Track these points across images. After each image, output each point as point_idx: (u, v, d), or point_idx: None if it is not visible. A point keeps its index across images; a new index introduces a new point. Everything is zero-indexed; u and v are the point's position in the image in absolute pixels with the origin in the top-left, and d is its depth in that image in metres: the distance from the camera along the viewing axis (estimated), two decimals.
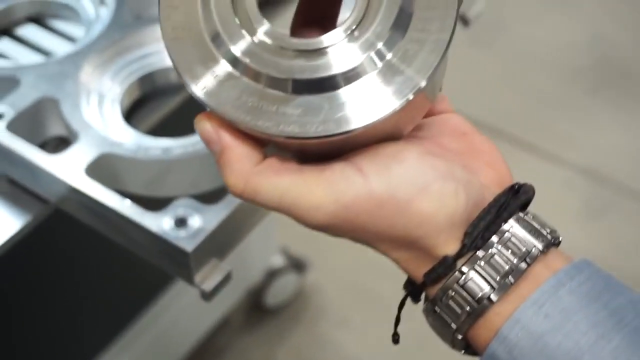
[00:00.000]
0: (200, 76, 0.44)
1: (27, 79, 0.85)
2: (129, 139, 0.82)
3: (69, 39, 0.95)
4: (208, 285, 0.76)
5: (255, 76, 0.44)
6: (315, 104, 0.43)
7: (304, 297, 1.79)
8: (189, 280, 0.76)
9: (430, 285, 0.47)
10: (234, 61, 0.44)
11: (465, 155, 0.48)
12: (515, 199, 0.46)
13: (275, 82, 0.43)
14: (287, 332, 1.74)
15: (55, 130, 0.85)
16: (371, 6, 0.44)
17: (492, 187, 0.47)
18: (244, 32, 0.44)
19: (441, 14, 0.44)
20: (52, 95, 0.84)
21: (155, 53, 0.89)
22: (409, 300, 0.49)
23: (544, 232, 0.46)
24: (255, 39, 0.44)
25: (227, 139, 0.45)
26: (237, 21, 0.44)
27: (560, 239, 0.47)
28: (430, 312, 0.47)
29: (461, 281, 0.45)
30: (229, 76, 0.44)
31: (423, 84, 0.43)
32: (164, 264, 0.77)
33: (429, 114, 0.50)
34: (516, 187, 0.47)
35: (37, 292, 1.11)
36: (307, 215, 0.45)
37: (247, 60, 0.44)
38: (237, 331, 1.72)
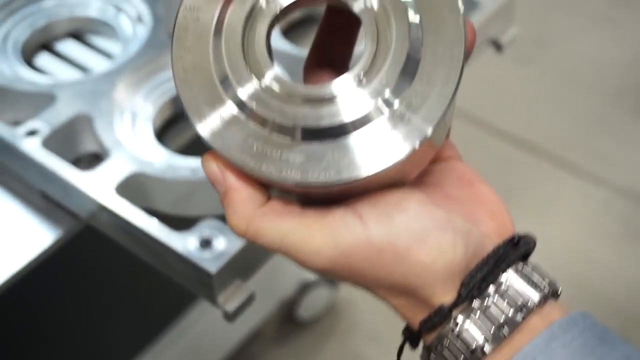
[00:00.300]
0: (207, 117, 0.44)
1: (63, 96, 0.86)
2: (159, 158, 0.83)
3: (107, 55, 0.96)
4: (231, 306, 0.76)
5: (261, 121, 0.44)
6: (319, 152, 0.43)
7: (336, 311, 1.79)
8: (212, 300, 0.76)
9: (427, 333, 0.46)
10: (241, 105, 0.44)
11: (468, 204, 0.48)
12: (514, 250, 0.46)
13: (280, 128, 0.43)
14: (318, 346, 1.75)
15: (88, 146, 0.86)
16: (380, 51, 0.44)
17: (493, 237, 0.47)
18: (252, 76, 0.44)
19: (448, 65, 0.44)
20: (87, 112, 0.85)
21: None
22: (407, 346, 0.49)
23: (542, 284, 0.45)
24: (263, 84, 0.44)
25: (232, 181, 0.45)
26: (247, 65, 0.44)
27: (560, 290, 0.46)
28: None
29: (456, 331, 0.45)
30: (235, 119, 0.44)
31: (429, 133, 0.43)
32: (187, 283, 0.78)
33: (435, 160, 0.49)
34: (516, 238, 0.47)
35: (67, 305, 1.12)
36: (308, 259, 0.45)
37: (253, 104, 0.44)
38: (269, 343, 1.73)
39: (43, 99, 0.86)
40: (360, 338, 1.76)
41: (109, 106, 0.86)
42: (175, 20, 0.45)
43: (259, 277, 0.81)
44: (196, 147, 0.89)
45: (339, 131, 0.43)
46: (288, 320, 1.73)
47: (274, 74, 0.44)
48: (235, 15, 0.45)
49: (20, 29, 0.95)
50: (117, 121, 0.86)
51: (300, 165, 0.43)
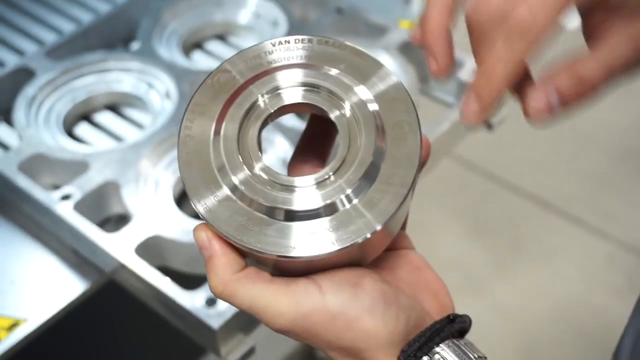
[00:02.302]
0: (203, 196, 0.50)
1: (96, 164, 0.93)
2: (176, 222, 0.90)
3: (138, 125, 1.03)
4: (232, 358, 0.82)
5: (248, 202, 0.50)
6: (289, 230, 0.50)
7: None
8: (216, 352, 0.82)
9: None
10: (233, 188, 0.50)
11: (415, 286, 0.54)
12: (450, 327, 0.51)
13: (261, 208, 0.50)
14: None
15: (115, 208, 0.93)
16: (349, 155, 0.51)
17: (433, 314, 0.53)
18: (244, 166, 0.51)
19: (404, 170, 0.50)
20: (115, 179, 0.92)
21: None
22: None
23: (472, 356, 0.51)
24: (253, 173, 0.51)
25: (216, 248, 0.51)
26: (240, 157, 0.51)
27: None
28: None
29: None
30: (227, 198, 0.50)
31: (378, 227, 0.49)
32: (195, 336, 0.84)
33: (391, 247, 0.55)
34: (452, 316, 0.52)
35: (89, 350, 1.18)
36: (272, 320, 0.50)
37: (243, 188, 0.50)
38: None
39: (78, 166, 0.93)
40: None
41: (135, 175, 0.92)
42: (185, 111, 0.52)
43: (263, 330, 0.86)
44: None
45: (306, 216, 0.50)
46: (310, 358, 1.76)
47: (261, 165, 0.51)
48: (235, 114, 0.52)
49: (63, 103, 1.02)
50: (141, 188, 0.92)
51: (273, 239, 0.49)
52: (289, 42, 0.53)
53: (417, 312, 0.52)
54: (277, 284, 0.50)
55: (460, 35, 0.54)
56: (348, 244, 0.49)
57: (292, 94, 0.52)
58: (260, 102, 0.52)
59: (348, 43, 0.53)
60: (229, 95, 0.52)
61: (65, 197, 0.90)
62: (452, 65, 0.54)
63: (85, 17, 1.15)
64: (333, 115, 0.52)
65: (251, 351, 0.84)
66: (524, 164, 2.27)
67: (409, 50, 1.07)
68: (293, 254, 0.49)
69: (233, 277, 0.51)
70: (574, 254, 2.07)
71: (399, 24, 1.13)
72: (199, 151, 0.51)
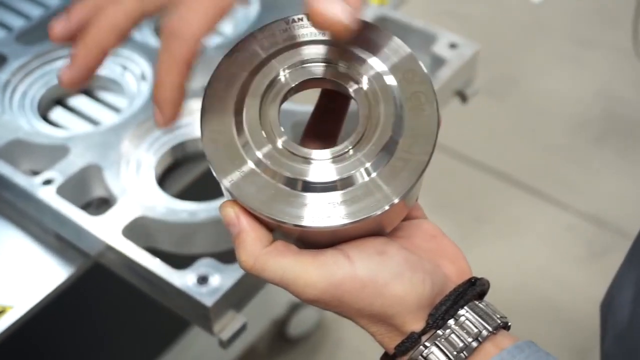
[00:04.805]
0: (229, 171, 0.51)
1: (76, 148, 0.92)
2: (160, 203, 0.89)
3: (114, 109, 1.02)
4: (225, 335, 0.82)
5: (272, 175, 0.51)
6: (315, 201, 0.50)
7: (324, 329, 1.85)
8: (209, 330, 0.82)
9: (400, 357, 0.53)
10: (258, 162, 0.51)
11: (432, 253, 0.55)
12: (472, 290, 0.53)
13: (286, 181, 0.51)
14: None
15: (98, 192, 0.92)
16: (368, 130, 0.52)
17: (453, 278, 0.54)
18: (267, 140, 0.51)
19: (422, 144, 0.51)
20: (97, 162, 0.91)
21: (186, 125, 0.97)
22: None
23: (495, 317, 0.52)
24: (275, 147, 0.51)
25: (244, 224, 0.51)
26: (263, 132, 0.51)
27: (510, 323, 0.53)
28: None
29: (425, 353, 0.51)
30: (252, 173, 0.51)
31: (396, 201, 0.50)
32: (186, 315, 0.84)
33: (406, 218, 0.57)
34: (473, 280, 0.54)
35: (76, 332, 1.17)
36: (302, 291, 0.51)
37: (267, 162, 0.51)
38: (262, 358, 1.78)
39: (58, 151, 0.92)
40: (347, 353, 1.82)
41: (117, 157, 0.92)
42: (206, 89, 0.52)
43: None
44: (192, 192, 0.96)
45: (330, 187, 0.50)
46: (279, 337, 1.78)
47: (284, 139, 0.51)
48: (256, 89, 0.52)
49: (36, 87, 1.01)
50: (123, 170, 0.91)
51: (299, 211, 0.50)
52: (302, 20, 0.53)
53: (440, 277, 0.53)
54: (306, 255, 0.51)
55: None
56: (370, 214, 0.50)
57: (312, 69, 0.53)
58: (282, 77, 0.52)
59: (365, 22, 0.53)
60: (250, 70, 0.52)
61: (47, 182, 0.88)
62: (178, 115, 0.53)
63: (53, 2, 1.13)
64: (352, 89, 0.52)
65: (243, 327, 0.84)
66: (483, 139, 2.30)
67: (383, 26, 1.07)
68: (318, 224, 0.49)
69: (263, 251, 0.51)
70: (536, 225, 2.10)
71: (368, 1, 1.14)
72: (222, 129, 0.51)
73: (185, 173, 0.97)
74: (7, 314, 0.85)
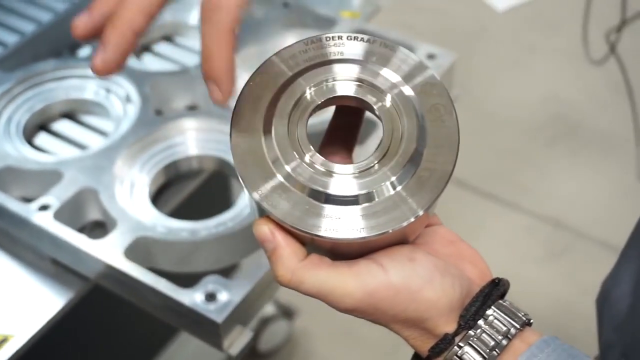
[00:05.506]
0: (259, 186, 0.52)
1: (69, 172, 0.92)
2: (159, 222, 0.90)
3: (100, 132, 1.02)
4: (234, 350, 0.83)
5: (301, 188, 0.52)
6: (343, 214, 0.52)
7: (294, 342, 1.86)
8: (218, 346, 0.83)
9: (434, 358, 0.55)
10: (287, 177, 0.53)
11: (453, 258, 0.57)
12: (496, 290, 0.55)
13: (315, 194, 0.52)
14: None
15: (93, 215, 0.92)
16: (392, 145, 0.54)
17: (476, 280, 0.57)
18: (296, 156, 0.53)
19: (446, 152, 0.54)
20: (92, 186, 0.91)
21: (177, 145, 0.97)
22: None
23: (520, 315, 0.55)
24: (304, 162, 0.53)
25: (280, 239, 0.53)
26: (292, 149, 0.53)
27: (532, 320, 0.56)
28: None
29: (459, 354, 0.54)
30: (282, 187, 0.53)
31: (421, 213, 0.52)
32: (193, 332, 0.84)
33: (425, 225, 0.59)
34: (496, 280, 0.56)
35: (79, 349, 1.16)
36: (340, 301, 0.53)
37: (297, 176, 0.53)
38: None
39: (50, 176, 0.92)
40: None
41: (110, 179, 0.91)
42: (235, 109, 0.54)
43: None
44: (185, 210, 0.96)
45: (357, 201, 0.52)
46: (251, 353, 1.78)
47: (312, 154, 0.53)
48: (284, 107, 0.54)
49: (20, 113, 1.00)
50: (117, 191, 0.91)
51: (332, 224, 0.52)
52: (321, 41, 0.55)
53: (465, 279, 0.55)
54: (340, 267, 0.53)
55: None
56: (399, 225, 0.52)
57: (337, 87, 0.55)
58: (307, 95, 0.54)
59: (374, 37, 0.56)
60: (276, 89, 0.54)
61: (44, 208, 0.88)
62: (234, 89, 0.55)
63: (28, 28, 1.12)
64: (376, 106, 0.54)
65: (251, 341, 0.85)
66: None
67: None
68: (349, 236, 0.51)
69: (299, 265, 0.53)
70: (494, 228, 2.15)
71: (340, 14, 1.16)
72: (252, 148, 0.53)
73: (177, 192, 0.98)
74: (9, 343, 0.84)
